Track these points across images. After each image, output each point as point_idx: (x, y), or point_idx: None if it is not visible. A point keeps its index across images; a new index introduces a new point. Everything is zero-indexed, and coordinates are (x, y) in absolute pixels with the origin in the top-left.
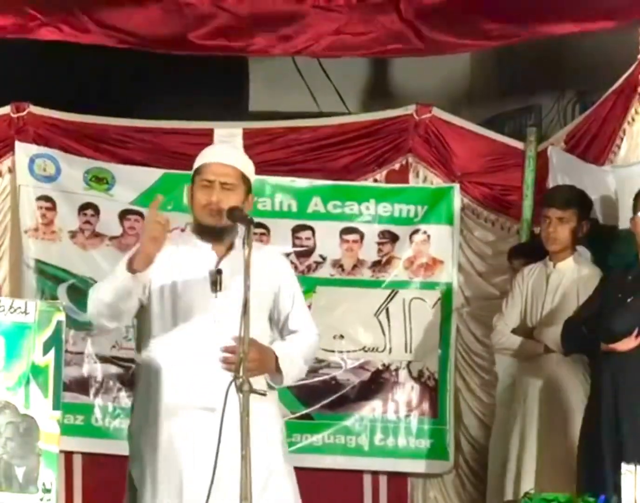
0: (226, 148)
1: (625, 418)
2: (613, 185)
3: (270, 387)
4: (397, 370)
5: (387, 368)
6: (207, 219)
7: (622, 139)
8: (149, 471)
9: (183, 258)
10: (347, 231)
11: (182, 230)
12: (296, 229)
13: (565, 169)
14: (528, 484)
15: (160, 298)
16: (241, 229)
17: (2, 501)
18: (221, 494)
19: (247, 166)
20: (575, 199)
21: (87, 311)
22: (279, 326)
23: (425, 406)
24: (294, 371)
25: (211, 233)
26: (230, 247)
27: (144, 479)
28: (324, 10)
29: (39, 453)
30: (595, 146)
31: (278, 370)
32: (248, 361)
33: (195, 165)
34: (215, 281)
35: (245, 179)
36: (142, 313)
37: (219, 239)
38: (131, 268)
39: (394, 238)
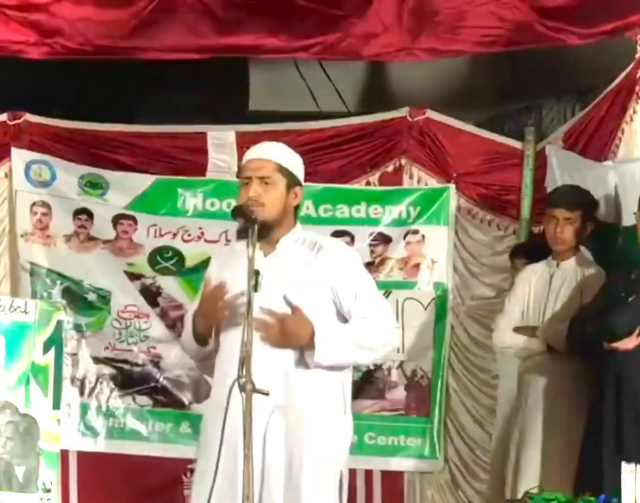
0: (265, 144)
1: (627, 418)
2: (614, 181)
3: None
4: (389, 369)
5: (379, 367)
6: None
7: (620, 138)
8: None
9: (236, 262)
10: (336, 234)
11: None
12: None
13: (566, 167)
14: (529, 483)
15: None
16: (293, 225)
17: (2, 500)
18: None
19: (286, 159)
20: (582, 200)
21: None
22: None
23: (418, 405)
24: (333, 351)
25: (257, 233)
26: (274, 245)
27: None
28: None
29: (39, 452)
30: (593, 145)
31: (313, 345)
32: (268, 328)
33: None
34: (256, 282)
35: (285, 172)
36: None
37: (264, 237)
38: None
39: (386, 239)
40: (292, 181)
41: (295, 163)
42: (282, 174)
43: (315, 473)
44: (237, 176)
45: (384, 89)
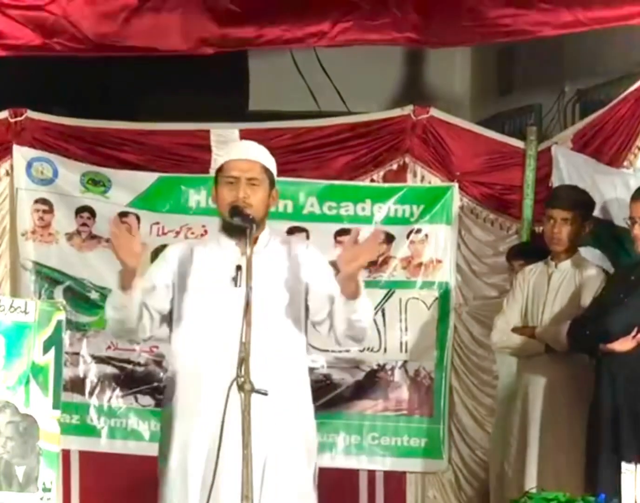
0: (250, 144)
1: (624, 418)
2: (634, 188)
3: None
4: (392, 369)
5: (382, 367)
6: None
7: None
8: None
9: (208, 257)
10: (341, 232)
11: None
12: (290, 231)
13: (574, 169)
14: (528, 483)
15: (185, 297)
16: (266, 224)
17: (2, 500)
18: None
19: (270, 161)
20: (580, 200)
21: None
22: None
23: (421, 405)
24: None
25: (238, 229)
26: (255, 242)
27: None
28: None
29: (39, 452)
30: (609, 147)
31: None
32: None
33: (219, 163)
34: (235, 276)
35: (268, 173)
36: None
37: (245, 235)
38: (124, 287)
39: (390, 238)
40: (272, 182)
41: (273, 165)
42: (266, 175)
43: (292, 464)
44: (217, 174)
45: (384, 89)
